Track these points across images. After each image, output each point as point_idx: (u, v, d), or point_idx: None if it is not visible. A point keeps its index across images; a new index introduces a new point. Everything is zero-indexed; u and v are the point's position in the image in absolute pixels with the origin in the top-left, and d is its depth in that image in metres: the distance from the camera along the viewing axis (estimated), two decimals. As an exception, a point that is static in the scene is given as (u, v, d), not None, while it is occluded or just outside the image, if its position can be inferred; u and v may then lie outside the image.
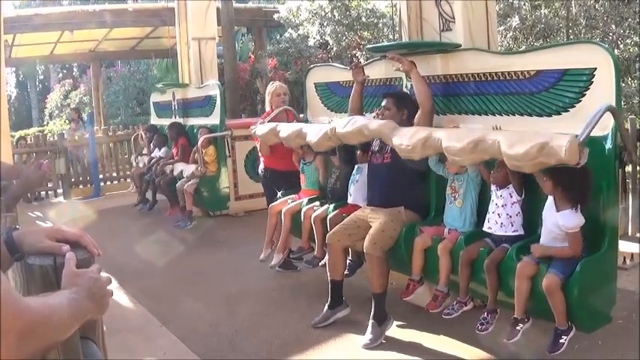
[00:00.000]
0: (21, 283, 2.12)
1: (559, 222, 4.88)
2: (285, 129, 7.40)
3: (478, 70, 6.14)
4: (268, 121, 8.25)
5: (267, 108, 9.05)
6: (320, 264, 7.28)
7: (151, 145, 13.86)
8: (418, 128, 5.75)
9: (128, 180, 16.25)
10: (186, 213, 11.67)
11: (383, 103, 6.60)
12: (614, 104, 4.89)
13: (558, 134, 4.63)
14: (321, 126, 6.97)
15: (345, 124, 6.31)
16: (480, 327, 5.40)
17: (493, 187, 5.58)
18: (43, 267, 2.10)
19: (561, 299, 4.79)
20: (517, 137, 4.76)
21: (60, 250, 2.12)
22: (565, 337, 4.91)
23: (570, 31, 13.45)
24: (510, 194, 5.43)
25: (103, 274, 2.11)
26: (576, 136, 4.44)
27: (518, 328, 5.09)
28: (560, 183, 4.89)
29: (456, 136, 5.22)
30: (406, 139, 5.58)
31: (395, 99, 6.57)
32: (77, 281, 1.98)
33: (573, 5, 13.56)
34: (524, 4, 14.46)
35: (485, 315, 5.41)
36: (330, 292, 6.67)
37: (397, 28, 7.76)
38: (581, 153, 4.43)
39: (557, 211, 4.93)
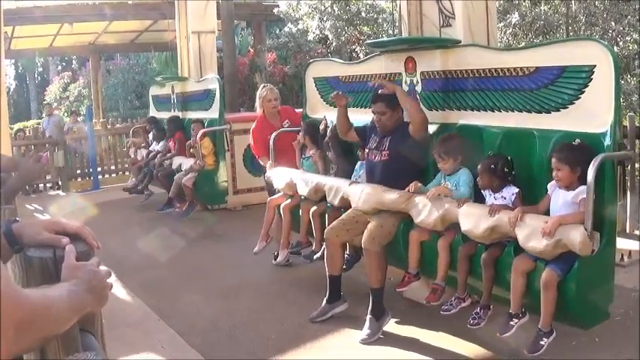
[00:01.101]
0: (20, 275, 2.11)
1: (576, 198, 4.88)
2: (302, 186, 7.49)
3: (478, 66, 6.15)
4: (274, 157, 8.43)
5: (258, 110, 9.09)
6: (315, 257, 7.30)
7: (150, 137, 13.88)
8: (433, 203, 5.73)
9: (127, 173, 16.24)
10: (184, 204, 11.66)
11: (375, 109, 6.63)
12: (613, 101, 4.92)
13: (568, 225, 4.75)
14: (334, 182, 7.05)
15: (358, 199, 6.45)
16: (471, 321, 5.44)
17: (487, 192, 5.59)
18: (43, 259, 2.09)
19: (554, 297, 4.81)
20: (530, 227, 4.90)
21: (59, 242, 2.12)
22: (546, 340, 4.94)
23: (570, 28, 13.49)
24: (504, 197, 5.44)
25: (102, 268, 2.11)
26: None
27: (512, 323, 5.11)
28: (577, 167, 4.91)
29: (473, 220, 5.33)
30: (426, 213, 5.77)
31: (386, 102, 6.58)
32: (77, 274, 1.98)
33: (573, 2, 13.60)
34: (524, 1, 14.50)
35: (478, 310, 5.44)
36: (328, 287, 6.68)
37: (397, 24, 7.76)
38: (593, 240, 4.69)
39: (573, 189, 4.94)
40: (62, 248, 2.08)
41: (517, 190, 5.40)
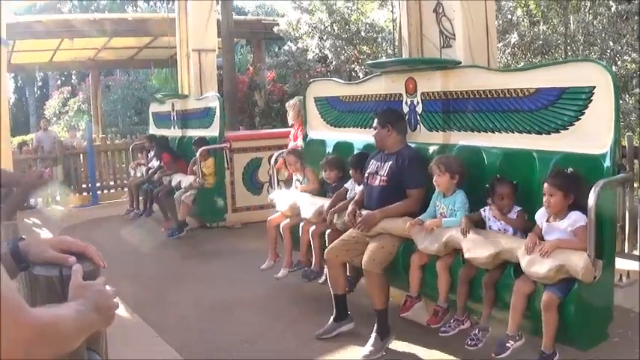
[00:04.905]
0: (25, 292, 2.12)
1: (572, 226, 4.91)
2: (306, 208, 7.55)
3: (478, 88, 6.17)
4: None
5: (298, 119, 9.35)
6: (320, 281, 7.31)
7: (148, 155, 13.90)
8: (438, 232, 5.76)
9: (125, 189, 16.25)
10: (178, 222, 11.70)
11: (376, 127, 6.71)
12: (613, 122, 4.94)
13: (571, 251, 4.81)
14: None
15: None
16: (469, 342, 5.42)
17: (490, 216, 5.61)
18: (49, 278, 2.09)
19: (555, 319, 4.82)
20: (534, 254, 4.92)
21: (66, 261, 2.13)
22: None
23: (569, 47, 13.51)
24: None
25: (108, 287, 2.12)
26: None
27: (508, 344, 5.10)
28: (570, 194, 4.94)
29: (479, 248, 5.33)
30: (429, 242, 5.78)
31: (377, 118, 6.72)
32: (84, 293, 1.98)
33: (571, 22, 13.64)
34: (523, 21, 14.53)
35: (477, 332, 5.43)
36: (334, 306, 6.69)
37: (396, 43, 7.79)
38: (596, 267, 4.71)
39: (562, 219, 4.96)
40: (69, 267, 2.09)
41: (519, 208, 5.44)
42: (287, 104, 11.02)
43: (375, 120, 6.69)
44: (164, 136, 13.86)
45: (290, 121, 10.86)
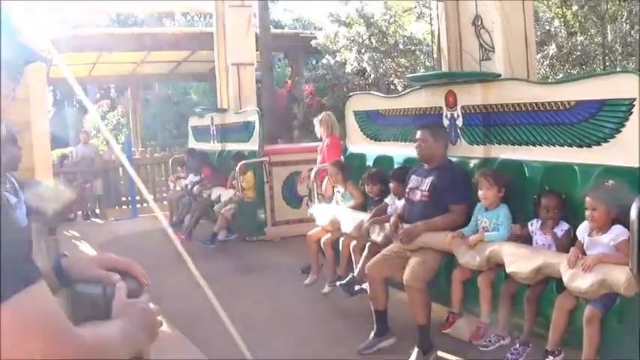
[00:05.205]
0: (67, 309, 2.12)
1: (615, 240, 4.87)
2: (346, 223, 7.53)
3: (518, 100, 6.15)
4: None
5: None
6: (356, 287, 7.28)
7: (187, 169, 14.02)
8: (480, 246, 5.74)
9: (165, 202, 16.34)
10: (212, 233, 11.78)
11: (417, 136, 6.66)
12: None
13: (613, 265, 4.76)
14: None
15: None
16: (509, 357, 5.38)
17: (537, 231, 5.57)
18: (92, 295, 2.09)
19: (597, 334, 4.76)
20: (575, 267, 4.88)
21: (110, 279, 2.13)
22: None
23: (607, 58, 13.44)
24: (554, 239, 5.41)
25: (152, 305, 2.12)
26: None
27: (547, 360, 5.07)
28: (614, 208, 4.90)
29: (522, 263, 5.29)
30: (470, 256, 5.75)
31: (428, 130, 6.63)
32: (128, 311, 1.98)
33: (609, 32, 13.56)
34: (561, 32, 14.47)
35: (517, 346, 5.38)
36: (375, 322, 6.67)
37: (435, 56, 7.79)
38: (638, 281, 4.65)
39: (604, 233, 4.92)
40: (112, 285, 2.09)
41: (568, 226, 5.38)
42: (315, 119, 11.02)
43: (423, 132, 6.60)
44: (203, 151, 13.94)
45: (319, 135, 10.89)
